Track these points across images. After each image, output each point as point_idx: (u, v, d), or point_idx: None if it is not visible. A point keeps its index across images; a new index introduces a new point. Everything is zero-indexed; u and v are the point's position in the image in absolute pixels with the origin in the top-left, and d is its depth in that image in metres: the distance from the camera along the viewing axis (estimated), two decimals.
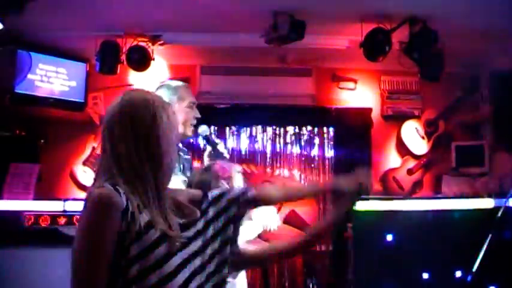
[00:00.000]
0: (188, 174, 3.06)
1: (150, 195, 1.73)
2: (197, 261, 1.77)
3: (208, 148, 3.01)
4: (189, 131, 2.99)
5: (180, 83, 3.20)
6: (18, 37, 4.82)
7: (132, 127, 1.77)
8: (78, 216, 1.77)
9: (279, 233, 5.53)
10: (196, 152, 5.05)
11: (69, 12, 4.31)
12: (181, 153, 3.09)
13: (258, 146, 5.95)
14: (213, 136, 3.19)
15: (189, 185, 2.94)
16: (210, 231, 1.85)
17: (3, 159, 4.65)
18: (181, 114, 2.94)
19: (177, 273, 1.71)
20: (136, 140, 1.76)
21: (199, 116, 2.97)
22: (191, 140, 4.70)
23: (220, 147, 3.00)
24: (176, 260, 1.71)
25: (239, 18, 4.44)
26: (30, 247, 4.13)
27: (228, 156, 3.01)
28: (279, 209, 5.56)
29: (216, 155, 2.97)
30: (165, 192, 1.80)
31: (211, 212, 1.88)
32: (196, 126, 3.02)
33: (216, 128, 5.76)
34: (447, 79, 4.97)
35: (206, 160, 3.03)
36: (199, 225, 1.83)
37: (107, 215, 1.64)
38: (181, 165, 3.10)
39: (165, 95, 2.98)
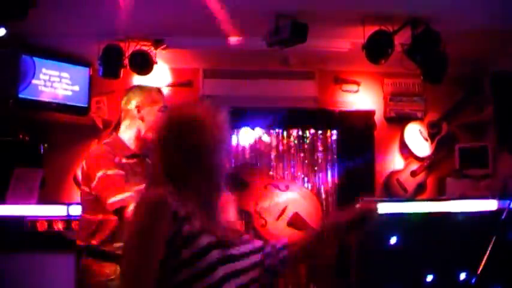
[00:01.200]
0: None
1: (199, 204, 1.77)
2: (240, 280, 1.81)
3: None
4: None
5: (152, 87, 3.18)
6: (22, 42, 4.83)
7: (182, 139, 1.82)
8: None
9: (283, 235, 5.54)
10: None
11: (71, 17, 4.32)
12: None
13: (261, 149, 5.94)
14: None
15: None
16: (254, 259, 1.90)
17: (6, 164, 4.67)
18: (151, 117, 2.93)
19: (221, 285, 1.74)
20: (187, 151, 1.80)
21: None
22: None
23: None
24: (223, 271, 1.75)
25: (241, 21, 4.44)
26: (33, 251, 4.14)
27: None
28: (282, 212, 5.56)
29: None
30: (215, 203, 1.86)
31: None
32: None
33: None
34: (450, 81, 4.96)
35: None
36: (249, 247, 1.91)
37: (159, 215, 1.68)
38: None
39: (136, 97, 2.96)
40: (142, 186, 2.85)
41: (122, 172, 2.77)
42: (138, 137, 2.94)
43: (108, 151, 2.86)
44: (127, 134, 2.95)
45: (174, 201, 1.71)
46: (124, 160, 2.86)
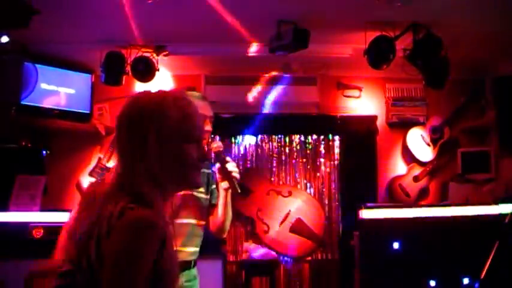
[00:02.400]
0: (201, 189, 2.99)
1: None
2: None
3: (218, 165, 2.91)
4: None
5: (193, 93, 3.14)
6: (24, 49, 4.84)
7: (131, 137, 1.58)
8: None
9: (286, 241, 5.54)
10: None
11: (74, 24, 4.34)
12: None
13: (263, 155, 5.95)
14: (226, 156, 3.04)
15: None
16: None
17: (9, 171, 4.67)
18: None
19: None
20: (138, 153, 1.56)
21: (208, 128, 2.92)
22: None
23: (230, 165, 2.88)
24: None
25: (243, 27, 4.45)
26: (35, 259, 4.13)
27: (238, 176, 2.89)
28: (285, 218, 5.55)
29: (224, 173, 2.89)
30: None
31: None
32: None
33: (220, 137, 5.77)
34: (452, 85, 4.96)
35: (217, 176, 2.95)
36: None
37: (150, 243, 1.49)
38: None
39: None
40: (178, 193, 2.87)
41: None
42: None
43: None
44: None
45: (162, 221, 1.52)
46: None
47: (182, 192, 2.84)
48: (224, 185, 2.86)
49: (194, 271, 2.90)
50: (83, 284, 1.51)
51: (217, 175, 2.88)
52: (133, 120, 1.60)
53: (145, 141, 1.56)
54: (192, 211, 2.86)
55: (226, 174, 2.83)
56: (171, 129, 1.58)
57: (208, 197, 3.02)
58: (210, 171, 3.03)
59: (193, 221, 2.88)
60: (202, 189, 2.98)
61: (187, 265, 2.83)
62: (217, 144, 2.94)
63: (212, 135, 5.64)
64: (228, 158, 2.89)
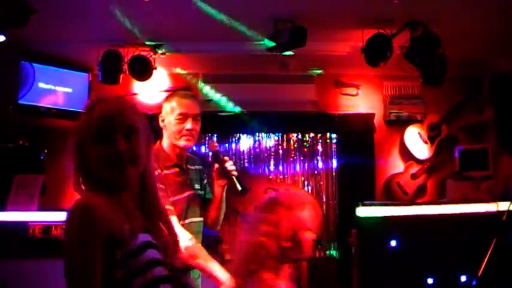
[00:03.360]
0: (196, 186, 3.00)
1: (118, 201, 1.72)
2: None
3: (216, 165, 2.91)
4: (181, 142, 2.90)
5: (180, 92, 3.14)
6: (21, 48, 4.84)
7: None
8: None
9: None
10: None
11: (71, 23, 4.33)
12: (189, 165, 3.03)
13: (261, 153, 5.95)
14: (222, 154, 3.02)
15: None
16: None
17: (7, 170, 4.67)
18: (170, 127, 2.91)
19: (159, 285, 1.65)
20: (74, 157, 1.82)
21: (189, 127, 2.89)
22: None
23: (229, 164, 2.86)
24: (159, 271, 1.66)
25: (240, 26, 4.45)
26: (34, 258, 4.14)
27: (236, 173, 2.88)
28: None
29: (223, 172, 2.89)
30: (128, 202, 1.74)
31: None
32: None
33: (218, 135, 5.78)
34: (449, 83, 4.96)
35: (215, 175, 2.95)
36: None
37: (90, 220, 1.62)
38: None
39: (163, 107, 2.96)
40: (184, 195, 2.88)
41: (161, 186, 2.70)
42: (173, 147, 2.92)
43: None
44: (165, 142, 2.94)
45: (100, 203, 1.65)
46: (165, 171, 2.82)
47: (187, 193, 2.88)
48: (220, 182, 2.87)
49: None
50: None
51: (215, 174, 2.89)
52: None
53: (73, 145, 1.80)
54: (196, 210, 2.92)
55: (225, 174, 2.83)
56: (85, 132, 1.74)
57: (203, 192, 3.04)
58: (200, 167, 3.06)
59: (199, 219, 2.93)
60: (198, 186, 3.00)
61: None
62: (212, 144, 2.94)
63: (210, 134, 5.70)
64: (226, 157, 2.89)
